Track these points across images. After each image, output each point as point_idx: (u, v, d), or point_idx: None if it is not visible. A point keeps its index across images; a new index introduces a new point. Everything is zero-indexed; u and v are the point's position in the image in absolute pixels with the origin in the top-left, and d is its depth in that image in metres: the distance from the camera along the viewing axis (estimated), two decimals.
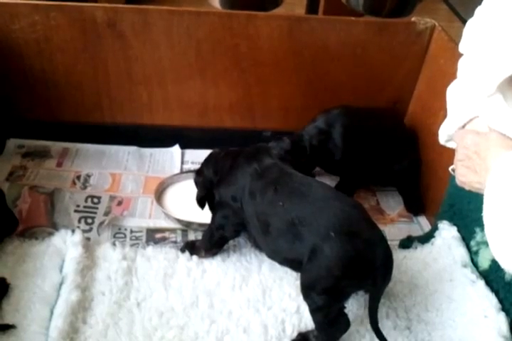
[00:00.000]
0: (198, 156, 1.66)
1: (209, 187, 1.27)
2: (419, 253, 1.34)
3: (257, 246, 1.29)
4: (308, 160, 1.47)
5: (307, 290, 1.08)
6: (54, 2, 1.51)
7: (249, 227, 1.21)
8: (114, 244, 1.28)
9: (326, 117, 1.50)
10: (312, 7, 2.15)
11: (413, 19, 1.63)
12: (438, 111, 1.44)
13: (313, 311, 1.08)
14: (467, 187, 0.98)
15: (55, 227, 1.35)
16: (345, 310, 1.11)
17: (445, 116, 1.09)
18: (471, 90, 1.01)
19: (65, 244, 1.24)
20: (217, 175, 1.25)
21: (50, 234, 1.29)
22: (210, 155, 1.30)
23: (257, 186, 1.17)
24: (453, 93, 1.08)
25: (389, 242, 1.11)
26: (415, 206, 1.60)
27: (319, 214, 1.07)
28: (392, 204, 1.61)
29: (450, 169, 1.06)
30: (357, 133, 1.50)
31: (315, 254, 1.04)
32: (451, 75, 1.11)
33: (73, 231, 1.28)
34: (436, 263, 1.29)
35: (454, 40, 1.51)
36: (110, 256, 1.24)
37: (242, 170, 1.21)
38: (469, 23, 1.07)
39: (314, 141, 1.47)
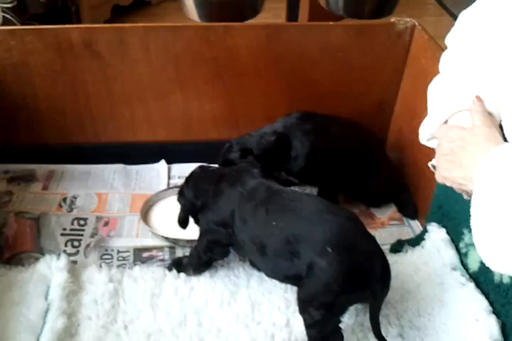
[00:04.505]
0: (184, 170, 1.64)
1: (190, 209, 1.25)
2: (410, 257, 1.33)
3: (254, 265, 1.28)
4: (259, 162, 1.39)
5: (304, 305, 1.06)
6: (29, 26, 1.52)
7: (244, 250, 1.20)
8: (100, 266, 1.27)
9: (283, 120, 1.46)
10: (292, 14, 2.14)
11: (392, 20, 1.61)
12: (422, 112, 1.42)
13: (309, 326, 1.07)
14: (449, 183, 0.97)
15: (41, 252, 1.34)
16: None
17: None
18: (458, 81, 0.99)
19: (50, 270, 1.22)
20: (198, 199, 1.23)
21: (37, 259, 1.29)
22: (191, 174, 1.29)
23: (247, 210, 1.15)
24: (435, 89, 1.07)
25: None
26: (408, 210, 1.58)
27: (314, 230, 1.06)
28: (383, 208, 1.59)
29: (429, 165, 1.04)
30: (319, 137, 1.45)
31: (312, 270, 1.03)
32: (433, 75, 1.10)
33: (59, 255, 1.27)
34: (427, 266, 1.28)
35: (434, 39, 1.50)
36: (96, 279, 1.23)
37: (227, 195, 1.19)
38: (464, 13, 1.05)
39: (264, 141, 1.42)
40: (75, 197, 1.55)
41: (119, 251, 1.38)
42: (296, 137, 1.43)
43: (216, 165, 1.41)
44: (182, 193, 1.27)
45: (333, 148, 1.46)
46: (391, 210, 1.59)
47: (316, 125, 1.46)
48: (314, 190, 1.58)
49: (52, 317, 1.11)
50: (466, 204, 0.87)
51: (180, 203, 1.28)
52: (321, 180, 1.50)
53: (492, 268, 0.85)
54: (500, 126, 0.95)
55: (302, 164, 1.44)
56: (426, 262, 1.29)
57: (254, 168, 1.25)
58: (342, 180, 1.51)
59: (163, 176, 1.66)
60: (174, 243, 1.40)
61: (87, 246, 1.38)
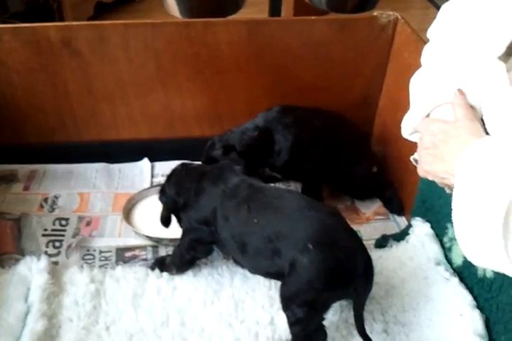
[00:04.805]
0: (168, 168, 1.59)
1: (172, 207, 1.24)
2: (395, 252, 1.32)
3: (237, 262, 1.27)
4: (242, 158, 1.39)
5: (287, 302, 1.05)
6: (5, 25, 1.50)
7: (226, 248, 1.19)
8: (82, 267, 1.26)
9: (264, 115, 1.45)
10: (275, 9, 2.12)
11: (375, 13, 1.60)
12: (406, 106, 1.41)
13: (292, 323, 1.06)
14: (431, 177, 0.96)
15: (22, 253, 1.33)
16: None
17: None
18: (440, 74, 0.99)
19: (31, 272, 1.21)
20: (180, 197, 1.21)
21: (18, 260, 1.27)
22: (172, 172, 1.27)
23: (229, 207, 1.14)
24: (417, 82, 1.06)
25: (365, 242, 1.10)
26: (394, 206, 1.57)
27: (296, 227, 1.05)
28: (368, 203, 1.58)
29: (412, 159, 1.04)
30: (301, 130, 1.44)
31: (294, 267, 1.02)
32: (417, 68, 1.09)
33: (39, 256, 1.25)
34: (412, 261, 1.27)
35: (418, 32, 1.49)
36: (77, 280, 1.21)
37: (209, 193, 1.17)
38: (445, 5, 1.05)
39: (246, 137, 1.41)
40: (57, 197, 1.53)
41: (101, 251, 1.36)
42: (278, 131, 1.42)
43: (199, 163, 1.40)
44: (163, 191, 1.25)
45: (316, 139, 1.45)
46: (376, 205, 1.58)
47: (297, 118, 1.45)
48: (299, 186, 1.57)
49: (32, 320, 1.10)
50: (449, 199, 0.86)
51: (161, 201, 1.26)
52: (304, 174, 1.49)
53: (473, 262, 0.84)
54: (482, 120, 0.94)
55: (286, 158, 1.43)
56: (410, 257, 1.28)
57: (237, 166, 1.23)
58: (325, 169, 1.50)
59: (146, 174, 1.64)
60: (157, 242, 1.38)
61: (69, 246, 1.36)
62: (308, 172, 1.48)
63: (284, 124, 1.42)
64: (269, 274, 1.15)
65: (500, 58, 0.93)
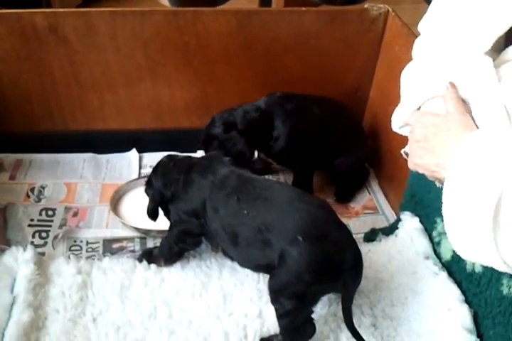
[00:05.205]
0: (156, 159, 1.58)
1: (160, 200, 1.22)
2: (384, 246, 1.32)
3: (227, 254, 1.26)
4: (242, 137, 1.39)
5: (276, 294, 1.05)
6: None
7: (217, 239, 1.18)
8: (68, 258, 1.24)
9: (266, 99, 1.45)
10: (265, 0, 2.11)
11: (366, 6, 1.59)
12: (397, 99, 1.41)
13: (280, 316, 1.06)
14: (421, 170, 0.95)
15: (8, 244, 1.31)
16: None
17: None
18: (432, 68, 0.98)
19: (17, 262, 1.19)
20: (166, 189, 1.19)
21: (3, 251, 1.24)
22: (158, 164, 1.25)
23: (218, 199, 1.12)
24: (408, 75, 1.06)
25: (354, 236, 1.09)
26: (343, 195, 1.58)
27: (285, 218, 1.04)
28: (357, 197, 1.58)
29: (402, 152, 1.03)
30: (300, 118, 1.44)
31: (284, 259, 1.02)
32: (407, 62, 1.09)
33: (26, 247, 1.23)
34: (401, 255, 1.27)
35: (409, 25, 1.48)
36: (64, 271, 1.20)
37: (198, 185, 1.16)
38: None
39: (248, 116, 1.40)
40: (43, 187, 1.51)
41: (88, 242, 1.35)
42: (278, 117, 1.42)
43: (187, 154, 1.38)
44: (150, 183, 1.23)
45: (314, 128, 1.45)
46: (365, 199, 1.58)
47: (298, 105, 1.45)
48: (289, 180, 1.56)
49: (18, 311, 1.08)
50: (439, 193, 0.86)
51: (148, 194, 1.24)
52: (299, 162, 1.49)
53: (463, 256, 0.84)
54: None
55: (283, 144, 1.43)
56: (399, 251, 1.28)
57: (225, 157, 1.22)
58: (320, 157, 1.51)
59: (134, 165, 1.63)
60: (145, 233, 1.37)
61: (56, 237, 1.35)
62: (303, 161, 1.48)
63: (284, 111, 1.42)
64: (259, 267, 1.14)
65: (487, 54, 0.93)
